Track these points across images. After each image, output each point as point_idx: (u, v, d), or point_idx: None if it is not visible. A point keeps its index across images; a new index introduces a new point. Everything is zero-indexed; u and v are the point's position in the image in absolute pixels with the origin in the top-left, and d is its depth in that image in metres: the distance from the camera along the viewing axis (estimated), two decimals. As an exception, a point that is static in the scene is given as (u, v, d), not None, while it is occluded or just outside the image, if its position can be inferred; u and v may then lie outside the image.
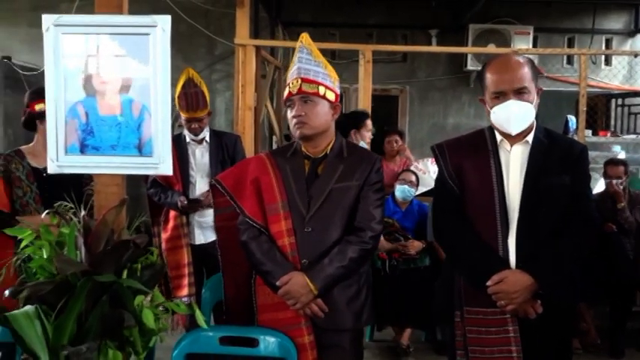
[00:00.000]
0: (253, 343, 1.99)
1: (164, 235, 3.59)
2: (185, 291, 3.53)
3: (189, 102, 3.46)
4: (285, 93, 2.19)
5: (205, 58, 6.90)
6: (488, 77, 2.09)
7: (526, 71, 2.05)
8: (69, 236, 1.66)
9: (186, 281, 3.53)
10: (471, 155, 2.15)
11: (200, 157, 3.61)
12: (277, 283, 2.06)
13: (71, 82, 1.91)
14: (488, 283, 2.02)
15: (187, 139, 3.59)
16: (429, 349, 4.26)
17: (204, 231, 3.59)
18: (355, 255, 2.09)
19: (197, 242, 3.59)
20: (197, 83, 3.50)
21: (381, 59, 6.49)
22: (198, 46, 6.86)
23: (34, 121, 2.74)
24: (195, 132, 3.55)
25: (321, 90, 2.14)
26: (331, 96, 2.17)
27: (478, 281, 2.05)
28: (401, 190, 4.32)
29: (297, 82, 2.13)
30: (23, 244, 1.68)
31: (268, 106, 6.10)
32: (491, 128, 2.16)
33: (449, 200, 2.16)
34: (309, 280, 2.05)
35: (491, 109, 2.08)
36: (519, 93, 2.03)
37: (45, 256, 1.68)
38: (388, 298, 3.93)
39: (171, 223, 3.54)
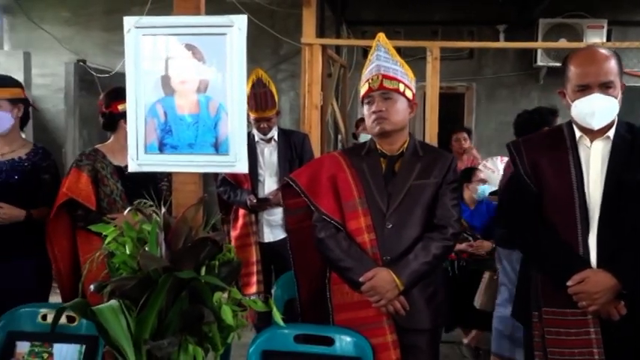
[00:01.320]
0: (329, 341, 1.98)
1: (233, 233, 3.64)
2: (254, 288, 3.57)
3: (258, 102, 3.49)
4: (364, 89, 2.19)
5: (271, 58, 6.97)
6: (572, 70, 2.01)
7: (612, 65, 1.97)
8: (151, 233, 1.69)
9: (254, 279, 3.58)
10: (549, 152, 2.09)
11: (269, 155, 3.64)
12: (361, 279, 2.05)
13: (150, 82, 1.95)
14: (569, 283, 1.95)
15: (256, 138, 3.63)
16: (499, 352, 4.16)
17: (272, 229, 3.63)
18: (438, 252, 2.08)
19: (266, 240, 3.63)
20: (266, 83, 3.53)
21: (447, 56, 6.37)
22: (263, 46, 6.92)
23: (116, 121, 2.79)
24: (264, 131, 3.58)
25: (401, 87, 2.15)
26: (409, 94, 2.18)
27: (558, 281, 1.99)
28: (482, 190, 4.25)
29: (378, 78, 2.14)
30: (107, 240, 1.72)
31: (334, 104, 6.10)
32: (570, 124, 2.08)
33: (525, 198, 2.10)
34: (395, 275, 2.04)
35: (572, 102, 2.01)
36: (605, 87, 1.96)
37: (128, 252, 1.72)
38: (457, 299, 3.86)
39: (240, 222, 3.59)
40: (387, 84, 2.13)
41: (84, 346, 2.00)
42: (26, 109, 2.84)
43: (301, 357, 1.95)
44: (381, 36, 2.24)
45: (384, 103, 2.13)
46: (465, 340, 4.11)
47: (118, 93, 2.80)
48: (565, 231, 2.02)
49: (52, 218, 2.65)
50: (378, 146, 2.21)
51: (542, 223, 2.06)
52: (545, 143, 2.13)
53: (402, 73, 2.17)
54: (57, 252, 2.68)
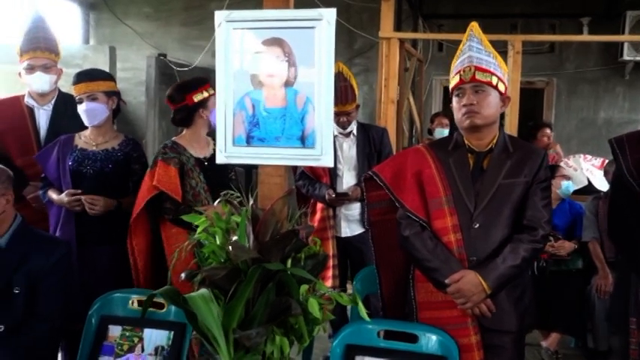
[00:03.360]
0: (413, 338, 1.96)
1: (310, 227, 3.65)
2: (329, 283, 3.57)
3: (338, 96, 3.47)
4: (455, 81, 2.11)
5: (345, 52, 6.95)
6: None
7: None
8: (240, 224, 1.71)
9: (330, 273, 3.58)
10: None
11: (347, 150, 3.63)
12: (447, 281, 2.00)
13: (240, 76, 1.98)
14: None
15: (335, 132, 3.62)
16: (579, 356, 4.03)
17: (350, 224, 3.62)
18: (527, 255, 2.00)
19: (343, 235, 3.63)
20: (347, 77, 3.53)
21: (527, 50, 6.16)
22: (338, 40, 6.84)
23: (192, 114, 2.81)
24: (344, 125, 3.58)
25: (494, 80, 2.06)
26: (502, 87, 2.09)
27: None
28: (566, 186, 4.10)
29: (470, 70, 2.05)
30: (199, 230, 1.76)
31: (410, 99, 6.04)
32: None
33: (627, 198, 1.99)
34: (482, 278, 1.98)
35: None
36: None
37: (217, 243, 1.75)
38: (536, 300, 3.75)
39: (318, 215, 3.60)
40: (479, 76, 2.04)
41: (172, 332, 2.06)
42: (118, 102, 2.93)
43: (385, 353, 1.93)
44: (474, 25, 2.15)
45: (476, 96, 2.05)
46: (544, 343, 3.98)
47: (189, 85, 2.84)
48: None
49: (138, 212, 2.69)
50: (465, 141, 2.13)
51: None
52: None
53: (496, 65, 2.08)
54: (135, 245, 2.74)
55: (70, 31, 7.21)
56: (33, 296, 2.21)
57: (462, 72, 2.08)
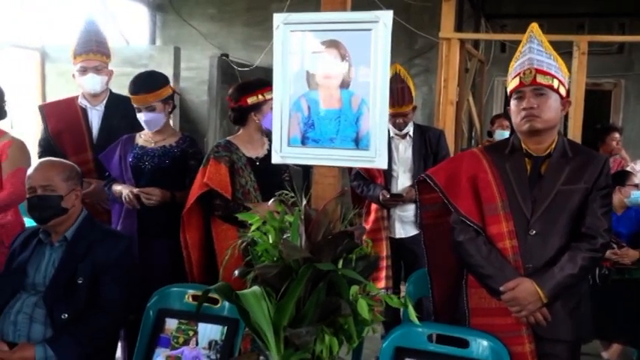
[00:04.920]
0: (463, 343, 1.94)
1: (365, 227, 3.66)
2: (382, 283, 3.57)
3: (395, 97, 3.47)
4: (514, 84, 2.07)
5: (405, 52, 6.91)
6: None
7: None
8: (293, 224, 1.74)
9: (383, 274, 3.58)
10: None
11: (403, 151, 3.62)
12: (501, 289, 1.97)
13: (296, 77, 2.00)
14: None
15: (391, 134, 3.62)
16: (642, 369, 3.88)
17: (404, 225, 3.61)
18: (586, 263, 1.95)
19: (397, 236, 3.62)
20: (404, 78, 3.52)
21: (593, 51, 5.98)
22: (398, 40, 6.87)
23: (246, 115, 2.87)
24: (400, 127, 3.57)
25: (555, 83, 2.01)
26: (563, 91, 2.04)
27: None
28: (635, 197, 3.95)
29: (531, 72, 2.01)
30: (253, 228, 1.79)
31: (470, 100, 5.95)
32: None
33: None
34: (539, 287, 1.94)
35: None
36: None
37: (270, 241, 1.78)
38: (597, 310, 3.63)
39: (372, 216, 3.61)
40: (540, 79, 2.00)
41: (225, 327, 2.11)
42: (173, 98, 3.02)
43: (435, 356, 1.92)
44: (534, 26, 2.11)
45: (536, 100, 2.01)
46: (605, 355, 3.87)
47: (246, 87, 2.90)
48: None
49: (189, 207, 2.77)
50: (523, 145, 2.08)
51: None
52: None
53: (557, 67, 2.03)
54: (188, 239, 2.81)
55: (137, 32, 7.44)
56: (95, 287, 2.31)
57: (521, 74, 2.03)
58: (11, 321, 2.27)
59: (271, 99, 2.11)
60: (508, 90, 2.13)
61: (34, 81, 5.92)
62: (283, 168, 2.89)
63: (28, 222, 3.19)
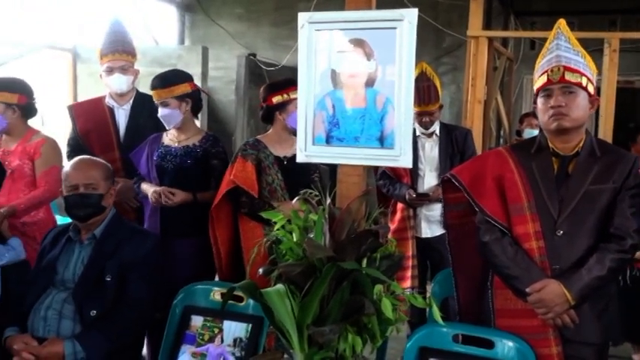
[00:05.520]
0: (489, 345, 1.92)
1: (391, 227, 3.64)
2: (408, 283, 3.56)
3: (421, 95, 3.46)
4: (542, 81, 2.03)
5: (432, 51, 6.86)
6: None
7: None
8: (317, 223, 1.74)
9: (409, 273, 3.56)
10: None
11: (429, 150, 3.60)
12: (528, 290, 1.95)
13: (321, 76, 2.01)
14: None
15: (417, 132, 3.60)
16: (674, 373, 3.80)
17: (430, 225, 3.59)
18: (614, 265, 1.91)
19: (423, 235, 3.60)
20: (430, 77, 3.49)
21: (625, 48, 5.85)
22: (425, 38, 6.83)
23: (272, 114, 2.92)
24: (426, 125, 3.55)
25: (584, 81, 1.98)
26: (591, 89, 2.00)
27: None
28: None
29: (559, 70, 1.98)
30: (277, 227, 1.80)
31: (498, 99, 5.88)
32: None
33: None
34: (566, 289, 1.91)
35: None
36: None
37: (295, 240, 1.79)
38: (628, 311, 3.57)
39: (398, 215, 3.60)
40: (569, 77, 1.96)
41: (250, 325, 2.13)
42: (197, 99, 3.03)
43: (459, 357, 1.90)
44: (562, 23, 2.08)
45: (565, 98, 1.97)
46: (636, 357, 3.79)
47: (273, 86, 2.94)
48: None
49: (217, 203, 2.81)
50: (550, 144, 2.05)
51: None
52: None
53: (585, 65, 2.00)
54: (218, 235, 2.85)
55: (166, 32, 7.52)
56: (123, 285, 2.34)
57: (549, 72, 2.00)
58: (41, 316, 2.31)
59: (296, 98, 2.11)
60: (534, 87, 2.10)
61: (67, 81, 6.04)
62: (313, 167, 2.90)
63: (60, 219, 3.26)
